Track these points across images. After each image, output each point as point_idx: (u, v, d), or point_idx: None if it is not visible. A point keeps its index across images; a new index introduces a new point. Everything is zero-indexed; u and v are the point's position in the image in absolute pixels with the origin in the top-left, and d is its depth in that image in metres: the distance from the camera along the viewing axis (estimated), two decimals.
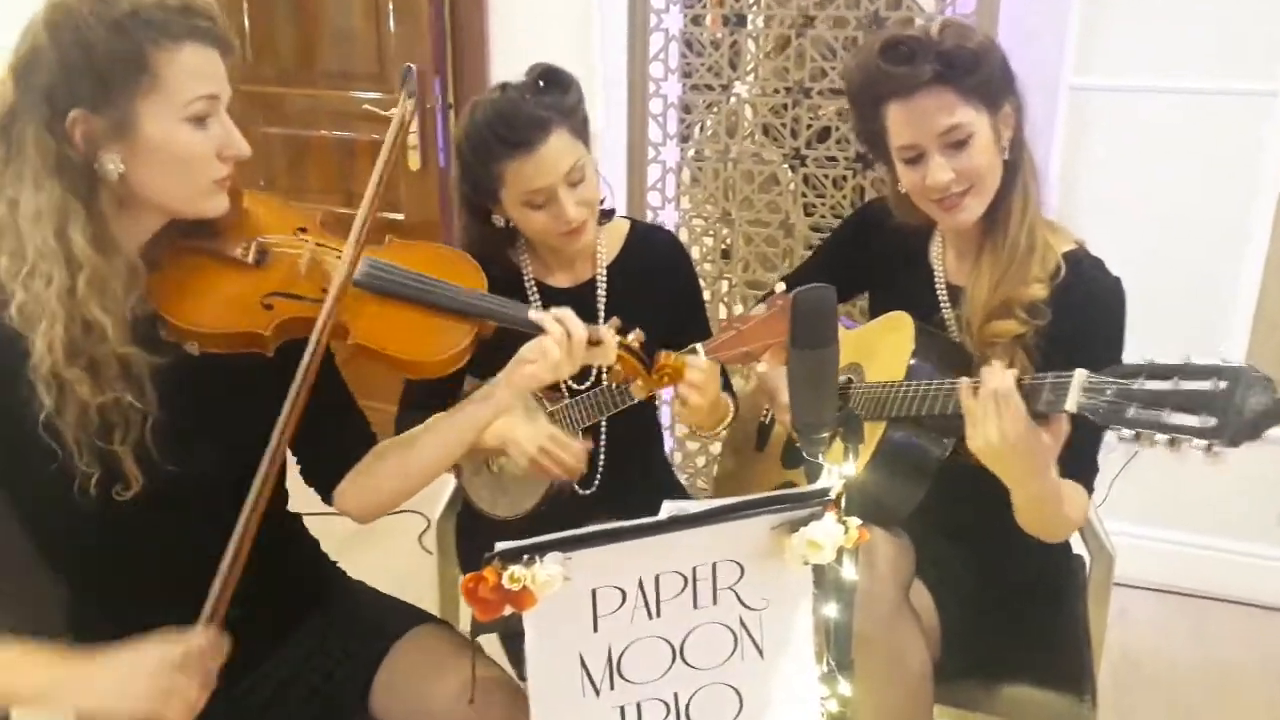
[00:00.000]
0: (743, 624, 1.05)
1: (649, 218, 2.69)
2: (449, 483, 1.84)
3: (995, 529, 1.36)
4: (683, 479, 2.69)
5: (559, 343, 1.24)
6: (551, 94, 1.52)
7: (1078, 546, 1.83)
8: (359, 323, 1.22)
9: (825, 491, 1.01)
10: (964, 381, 1.22)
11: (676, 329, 1.60)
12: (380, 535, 2.77)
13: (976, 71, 1.34)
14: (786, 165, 2.53)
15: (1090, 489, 1.40)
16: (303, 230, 1.27)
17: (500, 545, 0.91)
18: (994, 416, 1.16)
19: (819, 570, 1.06)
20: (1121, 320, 1.40)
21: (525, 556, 0.92)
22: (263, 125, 3.27)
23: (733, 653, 1.05)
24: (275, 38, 3.20)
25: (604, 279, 1.69)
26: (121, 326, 1.10)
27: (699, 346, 1.46)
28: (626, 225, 1.75)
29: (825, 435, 1.05)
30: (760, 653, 1.06)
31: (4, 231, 1.08)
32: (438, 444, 1.32)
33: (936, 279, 1.53)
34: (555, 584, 0.93)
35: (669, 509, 0.97)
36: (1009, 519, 1.33)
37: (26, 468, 1.10)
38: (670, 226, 2.70)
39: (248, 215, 1.24)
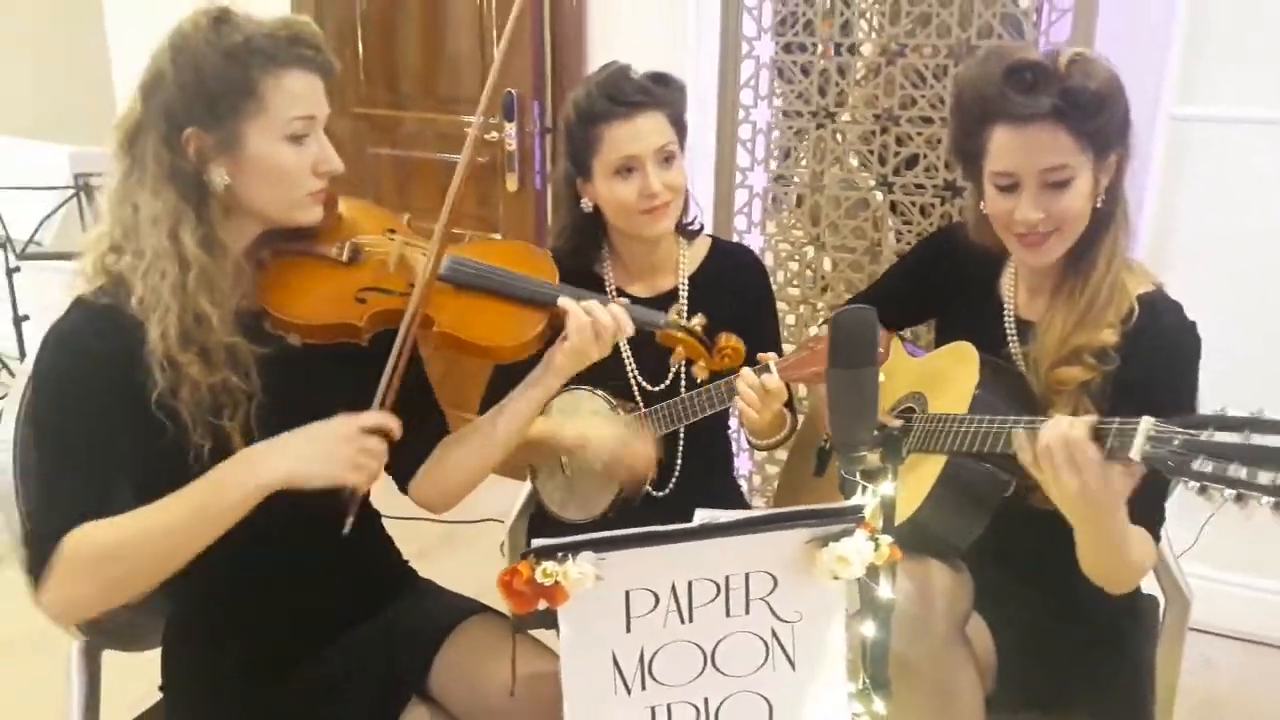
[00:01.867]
0: (775, 635, 1.07)
1: (735, 240, 2.73)
2: (524, 489, 1.91)
3: (1057, 564, 1.33)
4: (760, 502, 2.71)
5: (582, 325, 1.32)
6: (659, 85, 1.64)
7: (1151, 587, 1.79)
8: (443, 313, 1.32)
9: (859, 508, 1.03)
10: (1020, 432, 1.19)
11: (752, 345, 1.63)
12: (461, 542, 2.88)
13: (1097, 116, 1.30)
14: (875, 191, 2.53)
15: (1156, 537, 1.36)
16: (391, 231, 1.38)
17: (537, 542, 0.96)
18: (1069, 468, 1.12)
19: (865, 586, 1.07)
20: (1194, 368, 1.35)
21: (560, 554, 0.96)
22: (374, 146, 3.44)
23: (764, 663, 1.07)
24: (387, 63, 3.36)
25: (685, 289, 1.74)
26: (228, 318, 1.22)
27: (772, 364, 1.50)
28: (710, 241, 1.81)
29: (864, 454, 1.07)
30: (792, 665, 1.08)
31: (128, 232, 1.21)
32: (499, 430, 1.40)
33: (1006, 313, 1.51)
34: (587, 581, 0.97)
35: (701, 516, 1.01)
36: (1072, 554, 1.31)
37: (145, 438, 1.21)
38: (757, 250, 2.73)
39: (342, 219, 1.35)
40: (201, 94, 1.17)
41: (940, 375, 1.49)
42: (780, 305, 2.65)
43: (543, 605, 0.97)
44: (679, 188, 1.65)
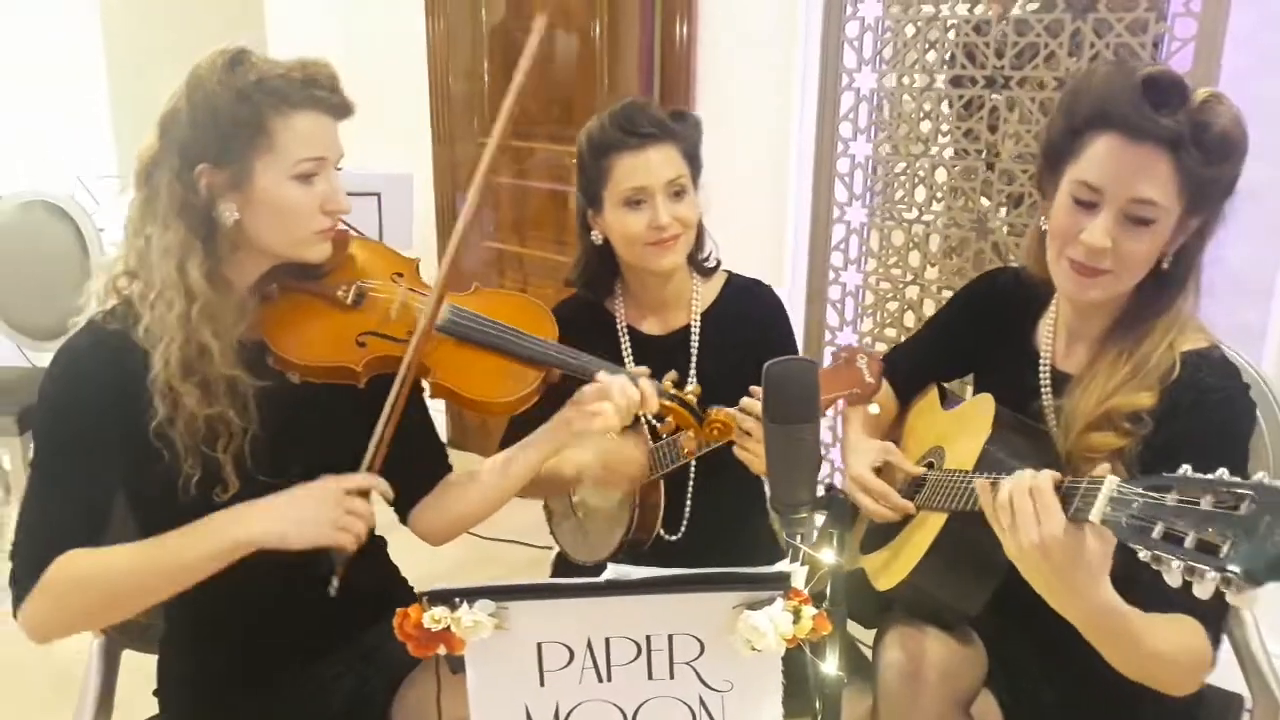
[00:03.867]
0: (703, 704, 1.01)
1: (830, 278, 2.64)
2: None
3: (1087, 645, 1.20)
4: None
5: (619, 403, 1.31)
6: (674, 119, 1.61)
7: (1236, 684, 1.59)
8: (440, 365, 1.32)
9: (786, 576, 0.95)
10: (983, 480, 1.09)
11: None
12: (487, 563, 2.88)
13: (1213, 165, 1.16)
14: (973, 232, 2.39)
15: (1215, 627, 1.17)
16: (399, 275, 1.38)
17: (433, 587, 0.94)
18: (1029, 518, 1.01)
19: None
20: (1236, 433, 1.20)
21: (456, 600, 0.94)
22: (496, 175, 3.53)
23: None
24: (501, 100, 3.45)
25: (697, 326, 1.69)
26: (229, 351, 1.24)
27: None
28: (724, 277, 1.75)
29: (804, 515, 1.00)
30: None
31: (141, 261, 1.25)
32: (493, 479, 1.40)
33: (1042, 363, 1.38)
34: (483, 630, 0.94)
35: (611, 572, 0.96)
36: None
37: (139, 463, 1.26)
38: (853, 287, 2.63)
39: (352, 260, 1.37)
40: (214, 131, 1.20)
41: (961, 428, 1.38)
42: (880, 347, 2.54)
43: (442, 650, 0.95)
44: (689, 222, 1.60)
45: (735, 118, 2.85)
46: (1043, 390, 1.37)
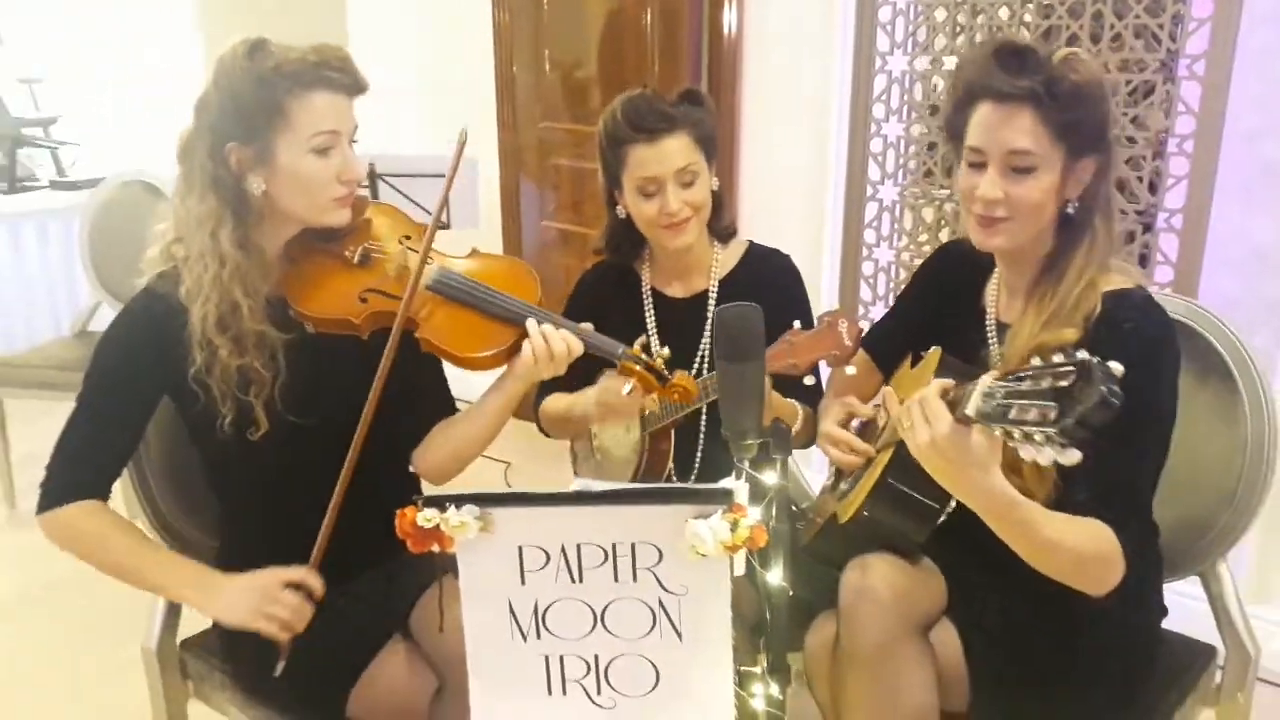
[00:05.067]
0: (662, 605, 1.15)
1: (864, 253, 2.74)
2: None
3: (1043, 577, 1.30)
4: None
5: (537, 347, 1.43)
6: (685, 106, 1.72)
7: (1211, 636, 1.67)
8: (428, 321, 1.46)
9: (729, 491, 1.09)
10: (888, 389, 1.21)
11: None
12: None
13: (1072, 110, 1.30)
14: None
15: (1121, 525, 1.26)
16: (407, 238, 1.53)
17: (429, 493, 1.11)
18: (921, 422, 1.12)
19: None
20: (1157, 365, 1.29)
21: (446, 504, 1.10)
22: (554, 158, 3.70)
23: (651, 629, 1.15)
24: (566, 84, 3.63)
25: (715, 291, 1.82)
26: (258, 308, 1.42)
27: None
28: (745, 245, 1.87)
29: (752, 442, 1.13)
30: (679, 636, 1.15)
31: (182, 230, 1.43)
32: (474, 414, 1.55)
33: (987, 317, 1.50)
34: (469, 531, 1.10)
35: (577, 485, 1.11)
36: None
37: (183, 406, 1.46)
38: (885, 263, 2.73)
39: (368, 224, 1.53)
40: (238, 113, 1.37)
41: (916, 381, 1.49)
42: None
43: (435, 548, 1.12)
44: (700, 205, 1.72)
45: (779, 102, 2.96)
46: (989, 341, 1.48)
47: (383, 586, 1.53)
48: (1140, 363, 1.27)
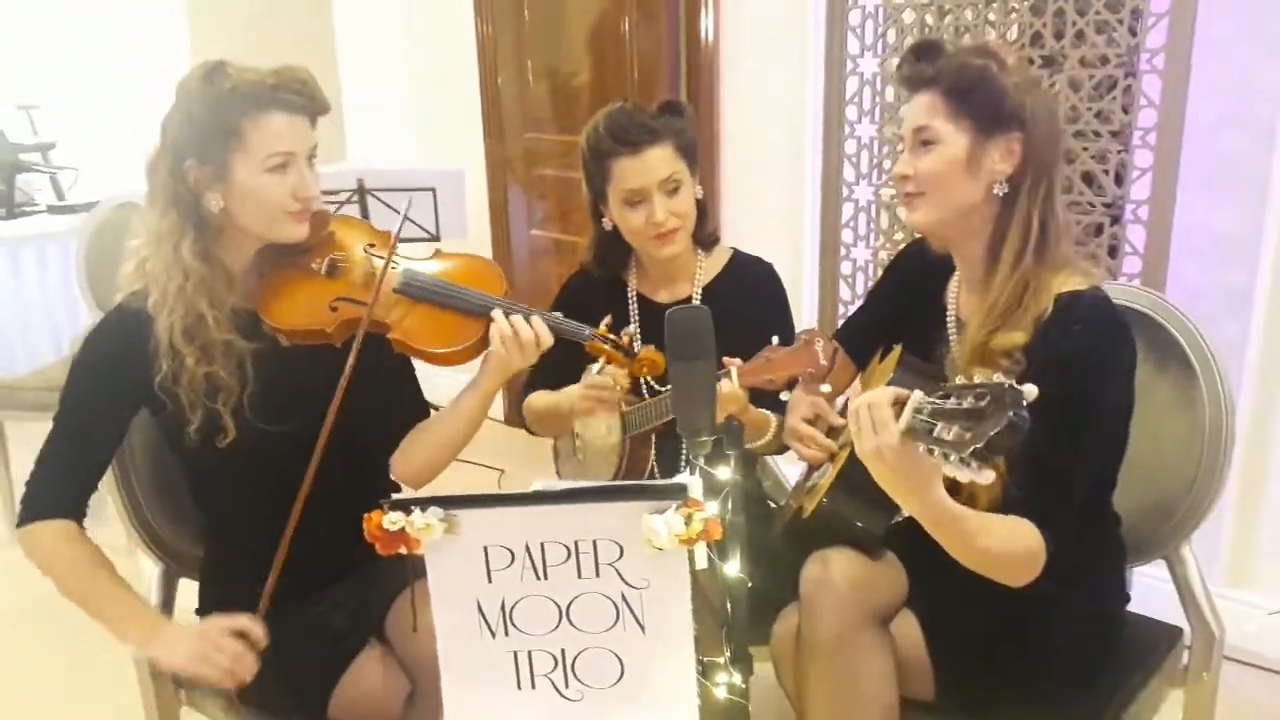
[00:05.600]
0: (625, 599, 1.19)
1: (842, 253, 2.78)
2: None
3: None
4: None
5: (505, 336, 1.47)
6: (666, 116, 1.76)
7: (1178, 618, 1.70)
8: (398, 323, 1.51)
9: (683, 487, 1.13)
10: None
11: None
12: None
13: (973, 91, 1.37)
14: None
15: (1046, 521, 1.29)
16: (371, 246, 1.58)
17: (395, 496, 1.15)
18: (868, 428, 1.15)
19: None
20: (1090, 359, 1.32)
21: (411, 507, 1.14)
22: (539, 168, 3.76)
23: (615, 623, 1.19)
24: (552, 96, 3.68)
25: (699, 297, 1.86)
26: (224, 319, 1.46)
27: (734, 370, 1.58)
28: (729, 253, 1.91)
29: (705, 439, 1.17)
30: (642, 628, 1.19)
31: (149, 245, 1.47)
32: (455, 417, 1.59)
33: (948, 314, 1.54)
34: (435, 532, 1.14)
35: (537, 485, 1.15)
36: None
37: (153, 413, 1.51)
38: (862, 262, 2.77)
39: (331, 236, 1.57)
40: (195, 133, 1.42)
41: (879, 378, 1.53)
42: None
43: (403, 550, 1.16)
44: (685, 214, 1.76)
45: (756, 106, 3.01)
46: (950, 338, 1.52)
47: (360, 592, 1.57)
48: (1087, 363, 1.32)
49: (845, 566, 1.42)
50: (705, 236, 1.88)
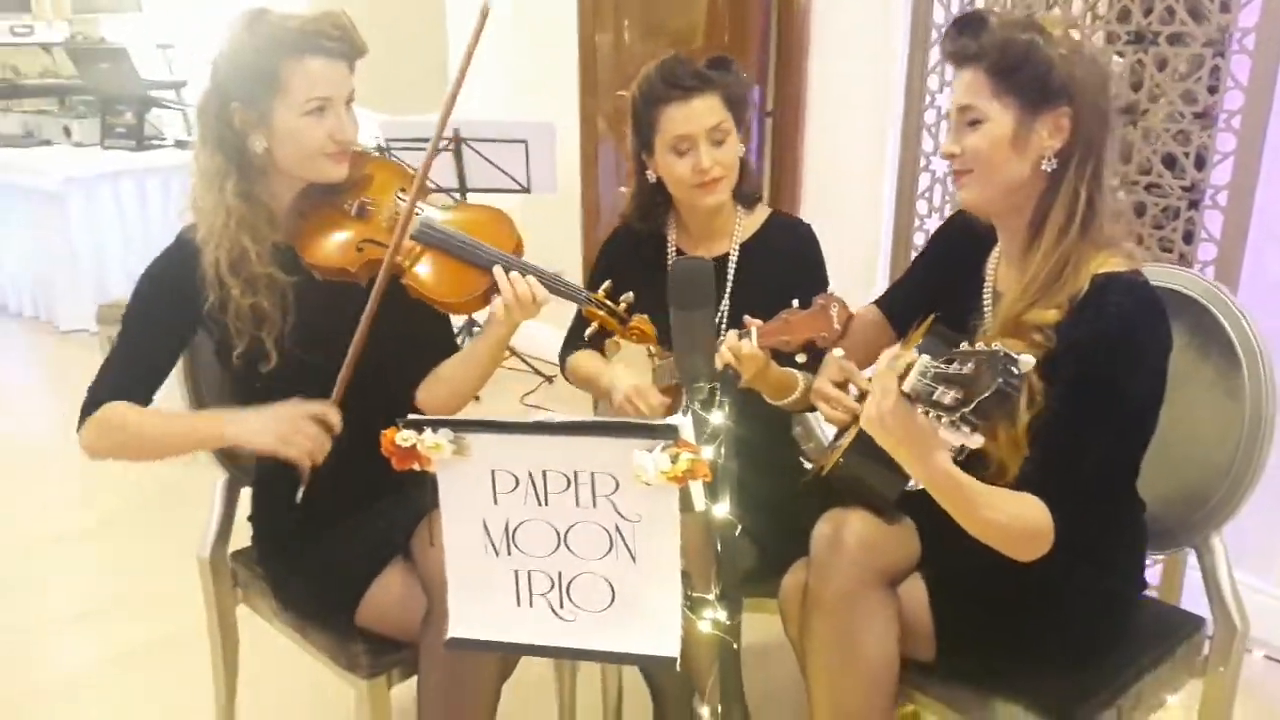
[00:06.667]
0: (619, 530, 1.26)
1: (915, 224, 2.77)
2: None
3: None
4: None
5: (505, 292, 1.54)
6: (717, 70, 1.81)
7: (1200, 608, 1.68)
8: (411, 268, 1.59)
9: (674, 427, 1.19)
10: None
11: None
12: None
13: (1018, 68, 1.36)
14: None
15: (1057, 501, 1.30)
16: (403, 191, 1.64)
17: (411, 416, 1.24)
18: (876, 394, 1.17)
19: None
20: (1123, 341, 1.31)
21: (424, 428, 1.23)
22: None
23: (608, 551, 1.26)
24: (646, 52, 3.72)
25: (735, 255, 1.90)
26: (265, 254, 1.56)
27: (754, 330, 1.61)
28: (768, 212, 1.94)
29: (703, 385, 1.23)
30: (633, 558, 1.26)
31: (198, 183, 1.58)
32: (472, 358, 1.68)
33: (985, 286, 1.54)
34: (444, 452, 1.23)
35: (538, 416, 1.23)
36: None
37: (206, 336, 1.64)
38: None
39: (369, 178, 1.65)
40: (239, 78, 1.51)
41: (910, 345, 1.54)
42: None
43: (416, 467, 1.25)
44: (730, 164, 1.80)
45: (843, 72, 3.00)
46: (985, 309, 1.52)
47: (389, 515, 1.68)
48: (1116, 347, 1.32)
49: (857, 526, 1.46)
50: (747, 194, 1.91)
